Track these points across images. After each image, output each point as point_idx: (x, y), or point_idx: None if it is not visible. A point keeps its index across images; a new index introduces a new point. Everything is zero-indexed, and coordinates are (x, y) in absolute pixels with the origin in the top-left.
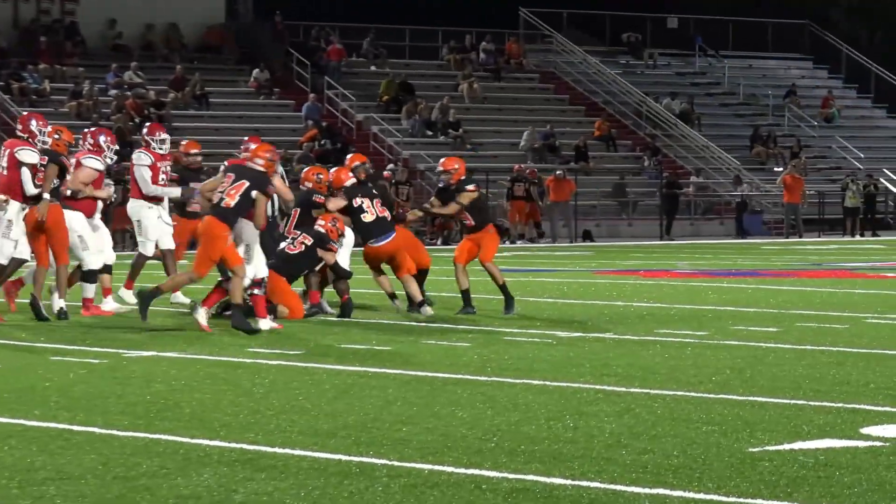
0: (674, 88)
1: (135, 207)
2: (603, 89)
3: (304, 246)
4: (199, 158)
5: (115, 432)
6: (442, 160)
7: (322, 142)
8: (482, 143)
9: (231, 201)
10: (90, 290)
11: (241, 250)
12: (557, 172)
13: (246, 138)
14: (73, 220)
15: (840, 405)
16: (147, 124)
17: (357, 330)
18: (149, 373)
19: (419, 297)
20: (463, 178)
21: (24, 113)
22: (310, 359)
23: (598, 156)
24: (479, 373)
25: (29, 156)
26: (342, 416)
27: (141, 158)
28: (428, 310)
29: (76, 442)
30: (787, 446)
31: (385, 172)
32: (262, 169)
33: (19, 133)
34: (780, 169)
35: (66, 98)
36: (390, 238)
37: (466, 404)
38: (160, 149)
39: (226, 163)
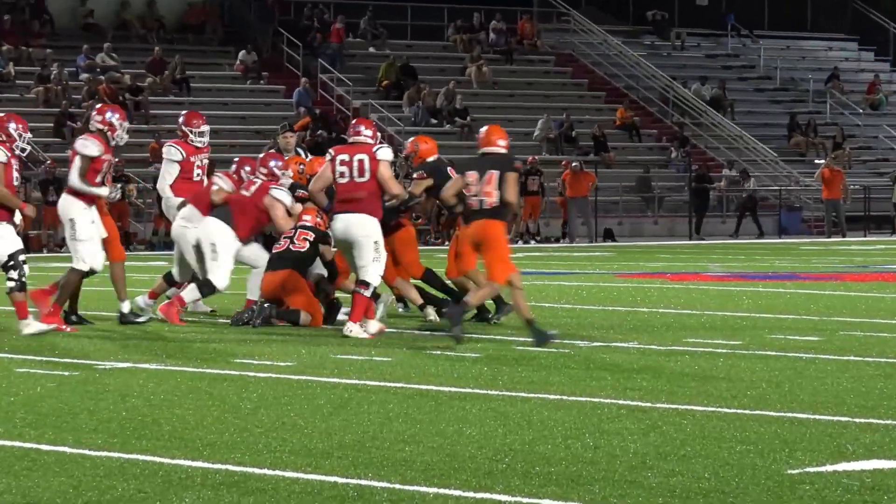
0: (704, 72)
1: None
2: (625, 73)
3: (307, 242)
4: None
5: (87, 452)
6: (408, 140)
7: (316, 131)
8: None
9: (492, 198)
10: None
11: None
12: (574, 165)
13: (354, 121)
14: None
15: (888, 422)
16: (184, 112)
17: (354, 339)
18: (124, 386)
19: (419, 301)
20: (429, 160)
21: (0, 115)
22: (302, 371)
23: (620, 147)
24: (489, 386)
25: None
26: (338, 434)
27: (171, 153)
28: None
29: (44, 463)
30: (829, 468)
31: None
32: (504, 150)
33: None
34: (821, 161)
35: (33, 83)
36: None
37: (475, 421)
38: (198, 142)
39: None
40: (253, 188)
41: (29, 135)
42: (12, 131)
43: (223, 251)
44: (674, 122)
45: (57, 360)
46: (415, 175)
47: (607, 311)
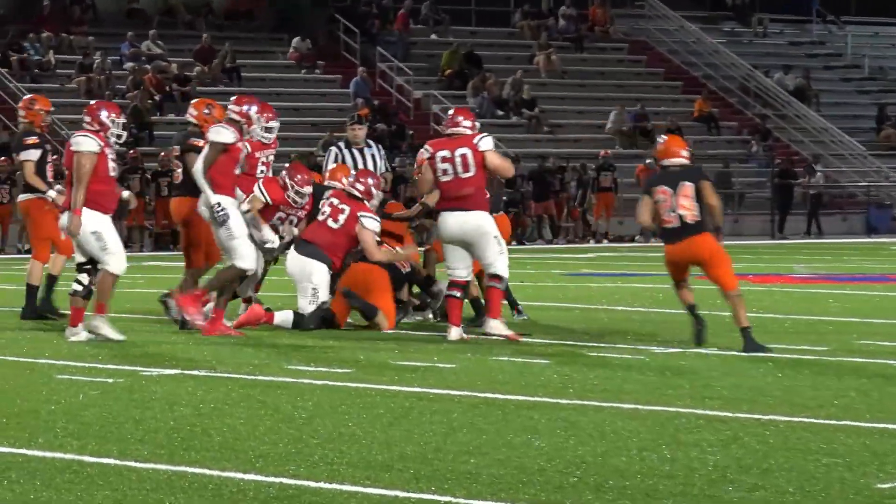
0: (787, 60)
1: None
2: (703, 61)
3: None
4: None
5: (132, 464)
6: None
7: (374, 123)
8: (561, 125)
9: (692, 212)
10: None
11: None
12: (648, 161)
13: (451, 111)
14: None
15: None
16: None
17: (416, 344)
18: (172, 394)
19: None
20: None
21: (91, 103)
22: (361, 378)
23: (698, 140)
24: (560, 395)
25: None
26: (399, 445)
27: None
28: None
29: (87, 475)
30: None
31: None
32: (687, 161)
33: (87, 124)
34: None
35: (74, 72)
36: None
37: (544, 432)
38: (265, 137)
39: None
40: (342, 218)
41: (123, 120)
42: (105, 119)
43: (323, 294)
44: (755, 114)
45: (100, 366)
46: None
47: (684, 315)
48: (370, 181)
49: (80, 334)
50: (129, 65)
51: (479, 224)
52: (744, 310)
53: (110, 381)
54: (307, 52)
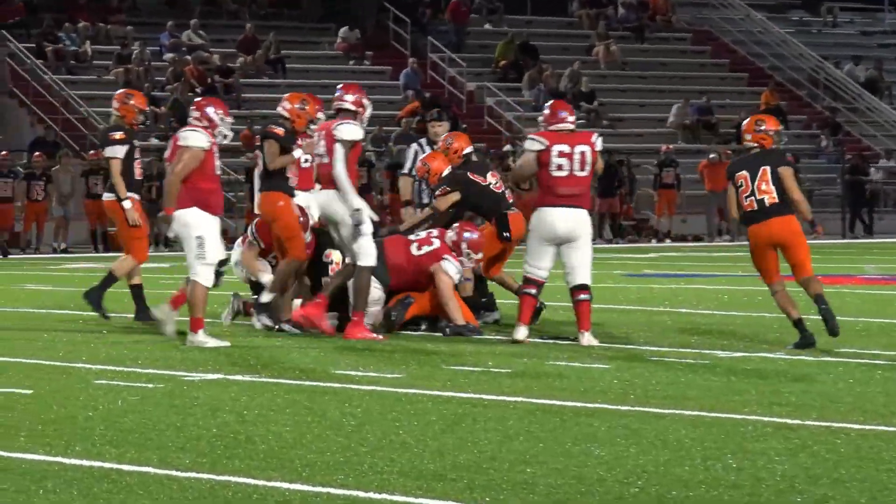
0: (858, 51)
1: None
2: (770, 52)
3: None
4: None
5: (173, 473)
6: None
7: (425, 116)
8: (622, 119)
9: (772, 196)
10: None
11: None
12: (712, 156)
13: (551, 104)
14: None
15: None
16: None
17: (469, 348)
18: (214, 400)
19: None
20: (445, 174)
21: (198, 99)
22: (411, 384)
23: None
24: (620, 401)
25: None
26: (451, 453)
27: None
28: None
29: (126, 485)
30: None
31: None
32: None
33: (194, 120)
34: None
35: (111, 63)
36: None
37: (604, 440)
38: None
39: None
40: (426, 248)
41: (231, 119)
42: (213, 116)
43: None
44: (824, 107)
45: (140, 370)
46: (437, 192)
47: (751, 317)
48: (467, 235)
49: (208, 342)
50: (169, 56)
51: (586, 224)
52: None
53: (150, 386)
54: (355, 42)
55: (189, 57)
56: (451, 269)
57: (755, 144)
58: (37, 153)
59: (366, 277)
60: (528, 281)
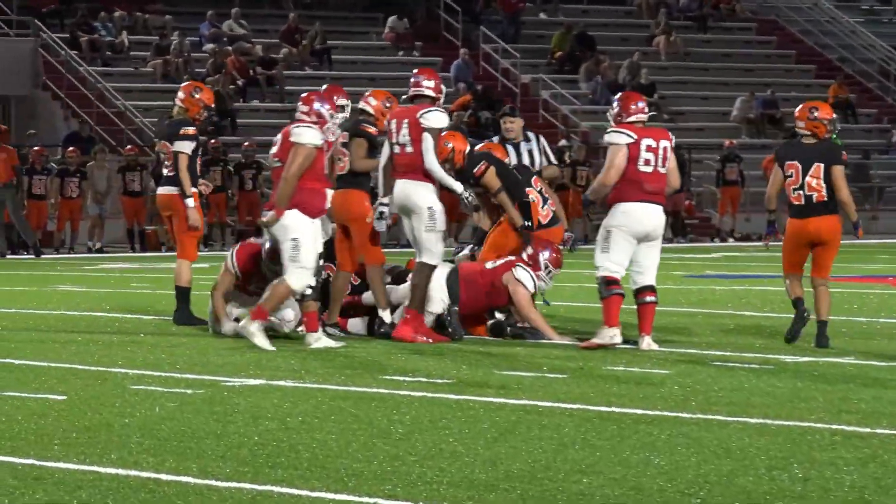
0: None
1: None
2: (839, 43)
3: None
4: None
5: (213, 483)
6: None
7: (478, 110)
8: (683, 113)
9: (820, 192)
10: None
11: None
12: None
13: (624, 95)
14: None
15: None
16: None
17: (523, 352)
18: (256, 407)
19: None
20: (468, 151)
21: (306, 93)
22: (463, 390)
23: None
24: (681, 408)
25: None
26: (504, 463)
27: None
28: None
29: (164, 495)
30: None
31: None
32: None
33: (303, 114)
34: None
35: (149, 54)
36: None
37: (664, 449)
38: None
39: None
40: (500, 261)
41: (341, 116)
42: (323, 111)
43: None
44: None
45: (178, 375)
46: (476, 171)
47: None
48: (546, 252)
49: (321, 339)
50: (209, 46)
51: (663, 223)
52: (827, 303)
53: (189, 392)
54: (404, 32)
55: (230, 48)
56: (524, 277)
57: (808, 132)
58: (70, 148)
59: (426, 275)
60: (612, 281)
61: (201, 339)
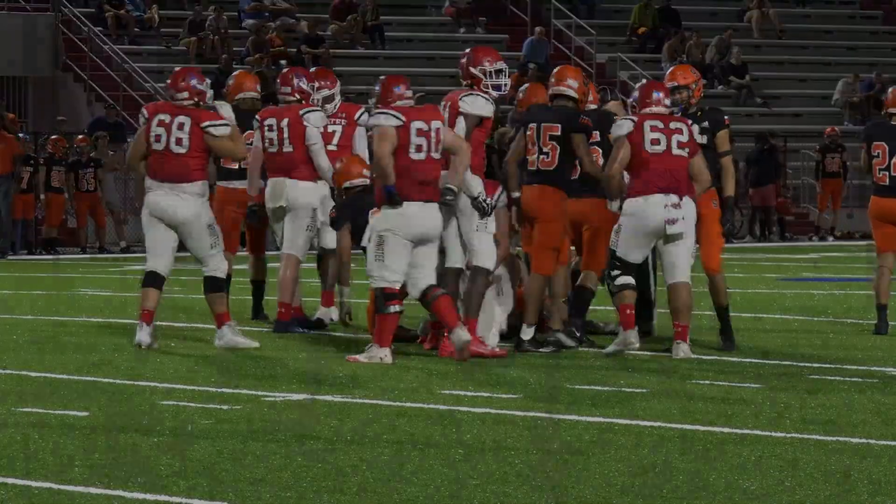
0: None
1: None
2: None
3: None
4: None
5: None
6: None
7: None
8: (779, 97)
9: None
10: None
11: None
12: None
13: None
14: None
15: None
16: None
17: (597, 363)
18: (300, 424)
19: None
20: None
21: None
22: (530, 406)
23: None
24: (774, 427)
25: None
26: (574, 486)
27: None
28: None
29: None
30: None
31: None
32: None
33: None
34: None
35: (182, 32)
36: None
37: (754, 471)
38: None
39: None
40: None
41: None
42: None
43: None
44: None
45: (213, 389)
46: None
47: None
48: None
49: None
50: (249, 22)
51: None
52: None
53: (225, 407)
54: (466, 6)
55: (273, 24)
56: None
57: None
58: (80, 136)
59: (482, 281)
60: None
61: (237, 352)
